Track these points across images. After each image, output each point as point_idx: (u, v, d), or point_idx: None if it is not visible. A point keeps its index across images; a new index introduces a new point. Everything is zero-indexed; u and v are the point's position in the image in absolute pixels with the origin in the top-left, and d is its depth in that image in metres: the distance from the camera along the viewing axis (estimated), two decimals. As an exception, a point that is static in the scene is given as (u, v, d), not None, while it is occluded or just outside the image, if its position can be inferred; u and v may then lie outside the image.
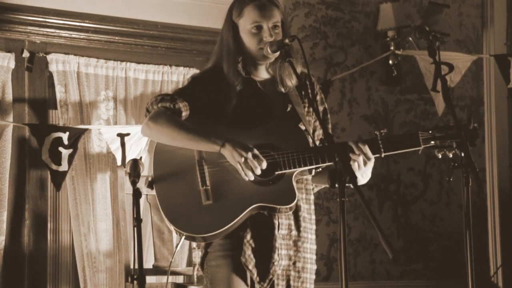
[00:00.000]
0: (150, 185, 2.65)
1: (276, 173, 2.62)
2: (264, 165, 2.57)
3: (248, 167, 2.55)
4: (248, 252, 2.62)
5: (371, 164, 2.66)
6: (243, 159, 2.55)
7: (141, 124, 4.48)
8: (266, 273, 2.62)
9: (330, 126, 2.89)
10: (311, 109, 2.79)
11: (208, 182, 2.61)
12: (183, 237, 2.58)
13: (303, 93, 2.81)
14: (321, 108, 2.84)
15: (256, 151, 2.57)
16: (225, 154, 2.59)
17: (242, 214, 2.57)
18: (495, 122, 5.65)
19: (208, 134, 2.62)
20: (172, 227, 2.60)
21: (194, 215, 2.58)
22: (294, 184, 2.64)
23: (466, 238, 2.59)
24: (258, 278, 2.62)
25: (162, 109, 2.70)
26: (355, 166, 2.63)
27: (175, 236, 4.45)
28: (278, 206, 2.60)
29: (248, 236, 2.63)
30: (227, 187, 2.61)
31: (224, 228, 2.56)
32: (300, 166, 2.63)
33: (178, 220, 2.58)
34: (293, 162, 2.62)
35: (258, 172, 2.56)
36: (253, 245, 2.62)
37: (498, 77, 5.29)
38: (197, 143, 2.63)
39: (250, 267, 2.61)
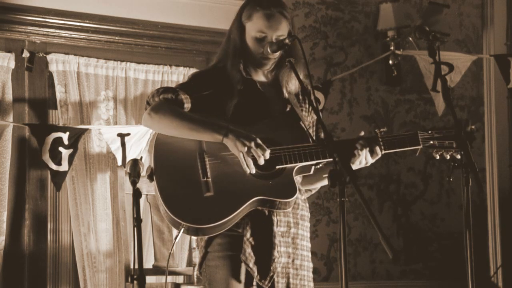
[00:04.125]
0: (150, 176, 2.61)
1: (277, 167, 2.61)
2: (267, 154, 2.56)
3: (251, 157, 2.54)
4: (248, 250, 2.60)
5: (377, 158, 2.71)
6: (246, 149, 2.53)
7: (141, 124, 4.56)
8: (266, 270, 2.61)
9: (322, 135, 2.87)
10: (308, 115, 2.80)
11: (209, 174, 2.59)
12: (182, 229, 2.54)
13: (300, 97, 2.82)
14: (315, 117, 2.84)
15: (259, 141, 2.55)
16: (227, 144, 2.57)
17: (243, 207, 2.55)
18: (495, 122, 5.65)
19: (211, 124, 2.61)
20: (170, 215, 2.53)
21: (194, 206, 2.55)
22: (295, 178, 2.64)
23: (466, 238, 2.59)
24: (258, 276, 2.60)
25: (164, 100, 2.69)
26: (360, 159, 2.66)
27: (175, 236, 4.45)
28: (279, 200, 2.58)
29: (248, 234, 2.61)
30: (228, 179, 2.59)
31: (224, 220, 2.53)
32: (301, 161, 2.62)
33: (178, 210, 2.54)
34: (294, 157, 2.62)
35: (262, 161, 2.55)
36: (252, 242, 2.61)
37: (498, 77, 5.30)
38: (199, 133, 2.61)
39: (251, 265, 2.59)
